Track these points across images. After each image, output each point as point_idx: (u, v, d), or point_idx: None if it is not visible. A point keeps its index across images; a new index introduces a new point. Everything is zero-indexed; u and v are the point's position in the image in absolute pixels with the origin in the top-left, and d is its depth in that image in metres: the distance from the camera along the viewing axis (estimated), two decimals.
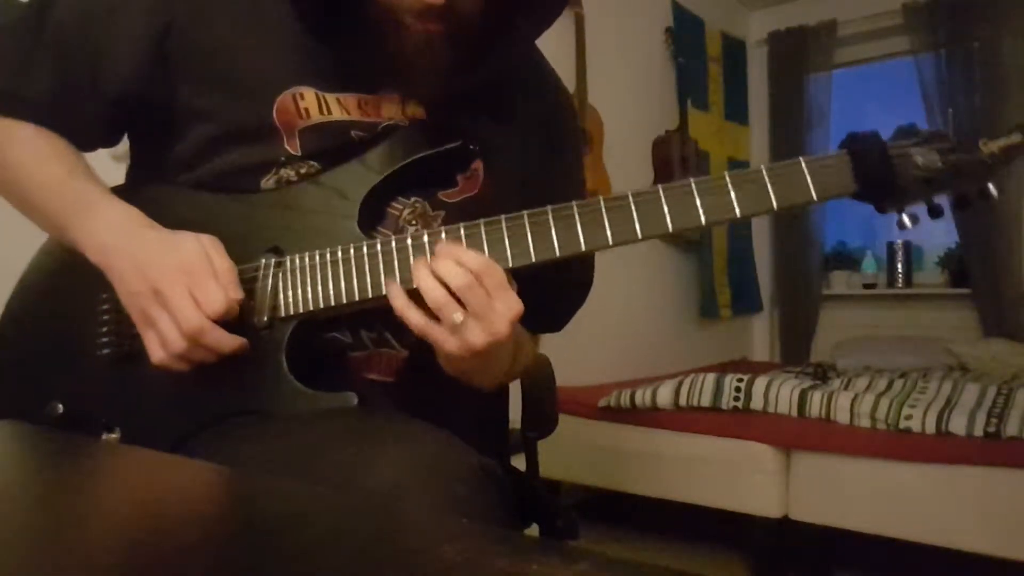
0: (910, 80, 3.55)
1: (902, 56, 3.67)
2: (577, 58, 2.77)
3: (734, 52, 3.93)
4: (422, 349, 0.80)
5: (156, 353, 0.71)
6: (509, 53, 0.82)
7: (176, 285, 0.70)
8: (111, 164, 0.93)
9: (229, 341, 0.71)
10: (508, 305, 0.68)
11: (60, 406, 0.76)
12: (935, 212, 0.73)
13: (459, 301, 0.67)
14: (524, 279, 0.72)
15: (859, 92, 3.95)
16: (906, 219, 0.72)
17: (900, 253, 3.70)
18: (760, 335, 4.11)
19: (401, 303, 0.69)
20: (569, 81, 2.74)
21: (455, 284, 0.66)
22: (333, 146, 0.78)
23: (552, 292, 0.86)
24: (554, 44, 2.70)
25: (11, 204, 0.82)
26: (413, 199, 0.81)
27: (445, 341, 0.68)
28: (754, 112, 4.05)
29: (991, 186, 0.71)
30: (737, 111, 3.93)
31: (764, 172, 0.69)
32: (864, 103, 3.99)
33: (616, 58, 3.09)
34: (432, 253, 0.70)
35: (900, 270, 3.71)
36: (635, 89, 3.24)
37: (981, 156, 0.70)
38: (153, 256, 0.72)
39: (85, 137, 0.84)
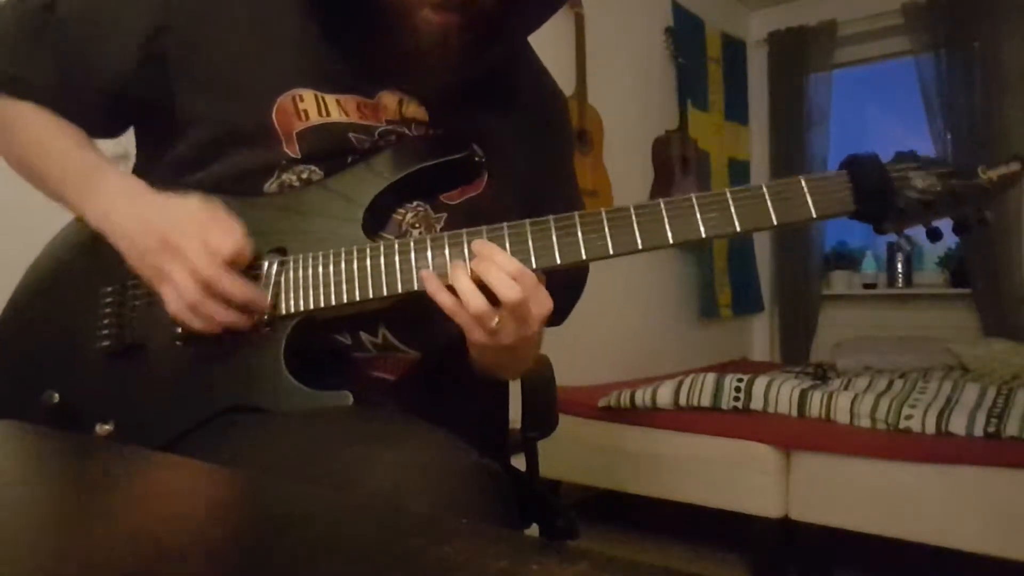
0: (910, 80, 3.55)
1: (902, 56, 3.67)
2: (577, 58, 2.77)
3: (734, 52, 3.93)
4: (433, 351, 0.80)
5: (172, 303, 0.71)
6: (513, 38, 0.82)
7: (188, 234, 0.71)
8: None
9: (242, 288, 0.71)
10: (540, 306, 0.70)
11: (56, 396, 0.77)
12: (934, 236, 0.74)
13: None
14: None
15: (859, 92, 3.95)
16: (903, 242, 0.75)
17: (900, 253, 3.70)
18: (760, 335, 4.11)
19: (434, 286, 0.70)
20: (569, 81, 2.74)
21: (505, 299, 0.67)
22: (332, 149, 0.79)
23: (554, 288, 0.87)
24: (554, 44, 2.71)
25: (24, 177, 0.84)
26: (415, 203, 0.81)
27: (473, 330, 0.70)
28: (754, 112, 4.05)
29: (988, 214, 0.73)
30: (737, 111, 3.93)
31: (764, 189, 0.70)
32: (864, 103, 3.99)
33: (616, 58, 3.09)
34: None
35: (900, 270, 3.71)
36: (635, 89, 3.24)
37: (980, 182, 0.71)
38: (160, 212, 0.73)
39: (85, 125, 0.86)
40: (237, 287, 0.71)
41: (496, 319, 0.68)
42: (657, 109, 3.35)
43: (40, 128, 0.82)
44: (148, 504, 0.49)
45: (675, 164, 3.25)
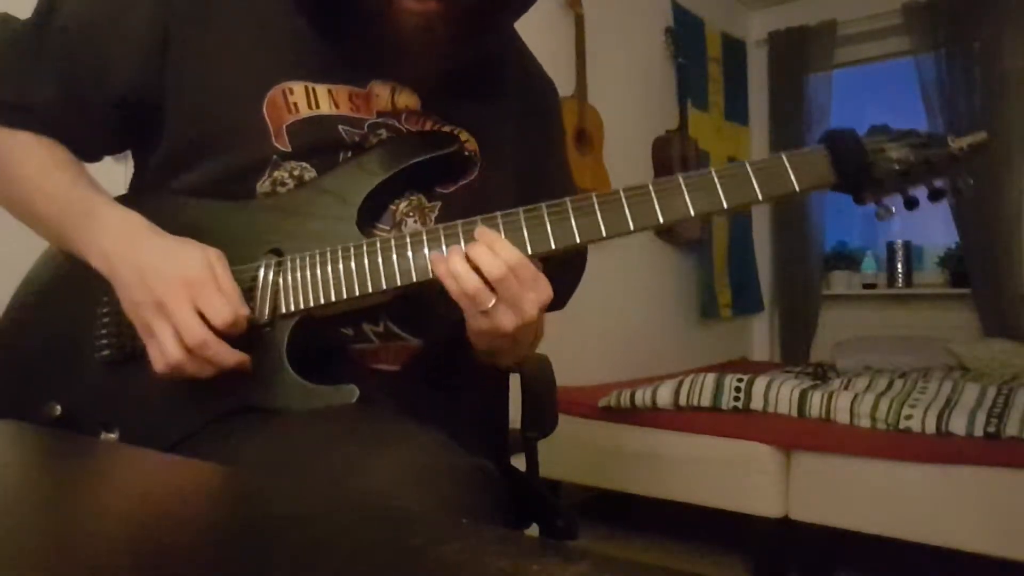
0: (910, 80, 3.55)
1: (902, 56, 3.67)
2: (577, 58, 2.77)
3: (734, 52, 3.93)
4: (435, 339, 0.80)
5: (157, 363, 0.71)
6: (500, 24, 0.83)
7: (179, 297, 0.70)
8: (110, 163, 0.93)
9: (231, 355, 0.71)
10: (539, 293, 0.72)
11: (58, 407, 0.76)
12: (910, 204, 0.77)
13: (491, 288, 0.70)
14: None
15: (859, 92, 3.95)
16: (883, 211, 0.77)
17: (900, 253, 3.70)
18: (760, 335, 4.11)
19: (442, 269, 0.71)
20: (569, 81, 2.74)
21: (490, 275, 0.69)
22: (322, 143, 0.79)
23: (555, 273, 0.88)
24: (554, 44, 2.71)
25: (16, 217, 0.83)
26: (408, 193, 0.81)
27: (475, 319, 0.71)
28: (754, 112, 4.05)
29: (962, 182, 0.76)
30: (737, 111, 3.93)
31: (748, 166, 0.73)
32: (864, 103, 3.99)
33: (616, 58, 3.09)
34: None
35: (900, 270, 3.71)
36: (635, 89, 3.24)
37: (951, 151, 0.75)
38: (156, 265, 0.72)
39: (91, 144, 0.85)
40: (225, 356, 0.71)
41: (492, 301, 0.70)
42: (657, 109, 3.36)
43: (35, 165, 0.80)
44: (148, 503, 0.49)
45: (675, 164, 3.25)
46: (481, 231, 0.72)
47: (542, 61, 0.99)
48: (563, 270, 0.95)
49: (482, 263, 0.69)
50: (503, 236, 0.72)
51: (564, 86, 2.68)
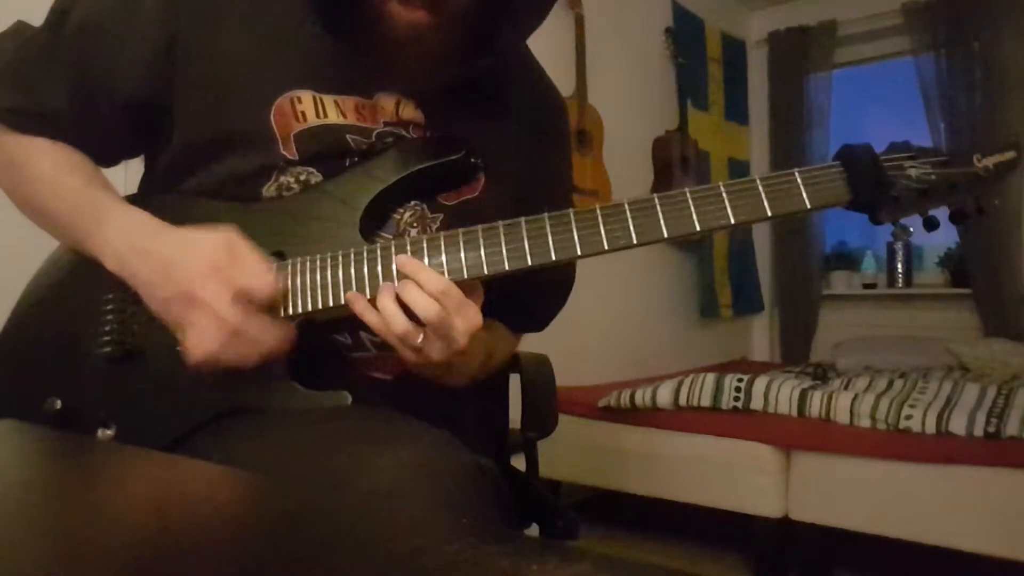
0: (910, 80, 3.55)
1: (902, 56, 3.67)
2: (577, 58, 2.78)
3: (734, 52, 3.93)
4: None
5: (194, 353, 0.71)
6: (501, 44, 0.82)
7: (210, 287, 0.70)
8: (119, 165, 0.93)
9: (270, 330, 0.71)
10: (467, 321, 0.70)
11: (58, 402, 0.77)
12: (930, 225, 0.74)
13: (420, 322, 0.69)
14: (504, 281, 0.73)
15: (859, 92, 3.95)
16: (900, 232, 0.75)
17: (900, 253, 3.70)
18: (760, 335, 4.11)
19: (360, 306, 0.71)
20: (569, 81, 2.74)
21: (419, 313, 0.68)
22: (329, 151, 0.79)
23: (532, 293, 0.87)
24: (554, 44, 2.71)
25: (32, 220, 0.83)
26: (413, 203, 0.81)
27: (400, 349, 0.71)
28: (754, 112, 4.05)
29: (985, 202, 0.73)
30: (737, 111, 3.93)
31: (759, 182, 0.71)
32: (864, 103, 3.99)
33: (616, 58, 3.09)
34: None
35: (900, 270, 3.70)
36: (635, 89, 3.24)
37: (975, 170, 0.72)
38: (176, 257, 0.72)
39: (105, 148, 0.85)
40: (266, 330, 0.71)
41: (420, 337, 0.69)
42: (657, 109, 3.36)
43: (49, 166, 0.80)
44: (147, 504, 0.49)
45: (675, 164, 3.25)
46: (402, 261, 0.70)
47: (542, 61, 0.99)
48: (547, 289, 0.95)
49: (410, 302, 0.68)
50: (504, 246, 0.71)
51: (564, 86, 2.67)
